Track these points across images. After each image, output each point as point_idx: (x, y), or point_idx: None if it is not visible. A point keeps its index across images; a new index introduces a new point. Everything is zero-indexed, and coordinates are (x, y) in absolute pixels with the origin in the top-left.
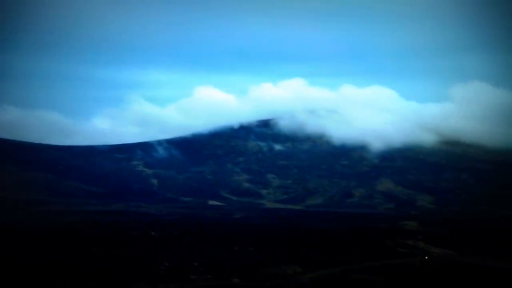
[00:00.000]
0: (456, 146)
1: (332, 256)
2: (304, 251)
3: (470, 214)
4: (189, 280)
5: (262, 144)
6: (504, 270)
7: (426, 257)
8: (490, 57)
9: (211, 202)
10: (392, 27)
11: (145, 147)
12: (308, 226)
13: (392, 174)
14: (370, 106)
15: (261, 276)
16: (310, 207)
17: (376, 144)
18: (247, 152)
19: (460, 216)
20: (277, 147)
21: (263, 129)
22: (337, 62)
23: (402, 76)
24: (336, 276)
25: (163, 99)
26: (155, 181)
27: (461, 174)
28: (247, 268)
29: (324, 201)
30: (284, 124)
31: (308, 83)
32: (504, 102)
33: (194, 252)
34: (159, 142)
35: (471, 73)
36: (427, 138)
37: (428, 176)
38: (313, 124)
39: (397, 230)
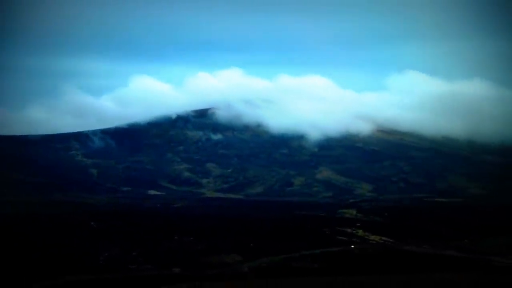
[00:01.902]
0: (393, 134)
1: (272, 245)
2: (244, 240)
3: (407, 201)
4: (128, 270)
5: (201, 133)
6: (440, 257)
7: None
8: (424, 47)
9: (151, 192)
10: (328, 16)
11: (81, 137)
12: (248, 215)
13: (331, 162)
14: (307, 96)
15: (201, 265)
16: (250, 196)
17: (314, 133)
18: (187, 142)
19: (397, 204)
20: (216, 136)
21: (201, 119)
22: (274, 51)
23: (339, 65)
24: (276, 264)
25: (98, 89)
26: (94, 171)
27: (398, 162)
28: (187, 257)
29: (264, 190)
30: (221, 114)
31: (245, 73)
32: (439, 91)
33: (134, 242)
34: (96, 132)
35: (407, 63)
36: (364, 127)
37: (366, 164)
38: (250, 114)
39: (336, 218)
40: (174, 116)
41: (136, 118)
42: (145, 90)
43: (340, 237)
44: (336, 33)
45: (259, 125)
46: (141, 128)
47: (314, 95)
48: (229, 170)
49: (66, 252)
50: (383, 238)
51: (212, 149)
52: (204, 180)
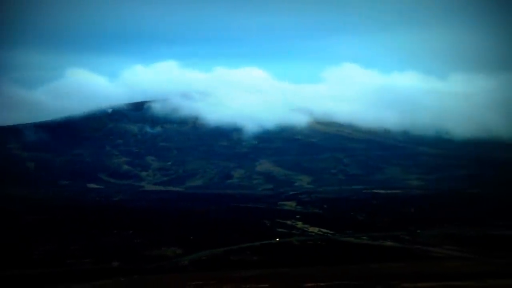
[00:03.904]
0: (331, 126)
1: (212, 237)
2: (184, 232)
3: (346, 193)
4: (65, 265)
5: (139, 127)
6: (378, 248)
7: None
8: (360, 40)
9: (90, 185)
10: (265, 8)
11: (16, 131)
12: (188, 208)
13: (270, 155)
14: (244, 88)
15: (141, 259)
16: (190, 188)
17: (251, 125)
18: (126, 135)
19: (336, 196)
20: (155, 129)
21: (138, 112)
22: (209, 43)
23: (275, 57)
24: (215, 257)
25: (32, 82)
26: (31, 165)
27: (337, 154)
28: (126, 251)
29: (204, 182)
30: (158, 107)
31: (181, 65)
32: (374, 83)
33: (72, 236)
34: (31, 125)
35: (343, 55)
36: (301, 119)
37: (305, 156)
38: (187, 107)
39: (276, 210)
40: (110, 109)
41: (72, 111)
42: (80, 83)
43: (280, 229)
44: (272, 24)
45: (197, 118)
46: (78, 121)
47: (251, 87)
48: (169, 163)
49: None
50: (322, 229)
51: (151, 142)
52: (144, 173)
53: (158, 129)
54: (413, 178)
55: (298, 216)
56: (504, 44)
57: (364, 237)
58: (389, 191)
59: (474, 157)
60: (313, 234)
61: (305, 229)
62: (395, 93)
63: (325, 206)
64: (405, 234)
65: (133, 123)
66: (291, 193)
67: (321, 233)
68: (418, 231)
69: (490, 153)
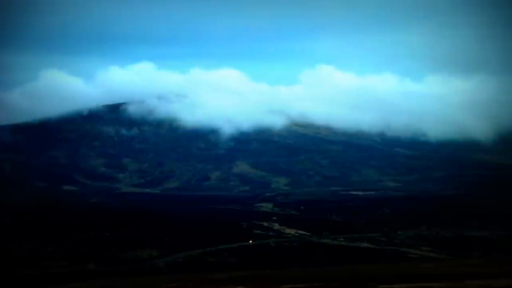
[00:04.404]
0: (308, 128)
1: (188, 239)
2: (161, 234)
3: (323, 195)
4: (40, 267)
5: (116, 128)
6: (355, 249)
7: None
8: (337, 42)
9: (66, 187)
10: (242, 9)
11: None
12: (165, 210)
13: (247, 157)
14: (221, 89)
15: (117, 261)
16: (167, 190)
17: (228, 127)
18: (102, 137)
19: (313, 197)
20: (131, 131)
21: (114, 114)
22: (186, 44)
23: (252, 58)
24: (192, 259)
25: (7, 83)
26: (7, 166)
27: (314, 156)
28: (102, 253)
29: (181, 184)
30: (134, 108)
31: (157, 67)
32: (351, 85)
33: (48, 238)
34: (6, 127)
35: (320, 57)
36: (278, 121)
37: (282, 158)
38: (164, 109)
39: (253, 212)
40: (86, 111)
41: (47, 113)
42: (55, 84)
43: (257, 231)
44: (249, 26)
45: (174, 120)
46: (53, 123)
47: (228, 89)
48: (146, 165)
49: None
50: (299, 231)
51: (128, 144)
52: (120, 175)
53: (134, 131)
54: (389, 179)
55: (275, 218)
56: (479, 46)
57: (341, 239)
58: (365, 193)
59: (450, 158)
60: (290, 235)
61: (282, 230)
62: (371, 95)
63: (302, 207)
64: (382, 236)
65: (110, 125)
66: (268, 194)
67: (298, 234)
68: (395, 232)
69: (465, 155)
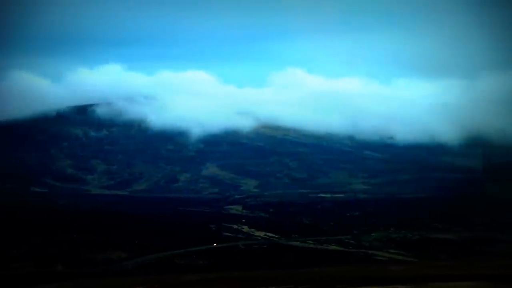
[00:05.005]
0: (277, 130)
1: (157, 241)
2: (129, 236)
3: (292, 197)
4: (8, 269)
5: (84, 130)
6: (323, 252)
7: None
8: (305, 45)
9: (34, 189)
10: (210, 11)
11: None
12: (134, 212)
13: (216, 158)
14: (189, 91)
15: (86, 263)
16: (136, 192)
17: (197, 129)
18: (70, 138)
19: (282, 200)
20: (100, 133)
21: (82, 116)
22: (154, 46)
23: (220, 60)
24: (161, 261)
25: None
26: None
27: (282, 158)
28: (71, 254)
29: (150, 186)
30: (102, 110)
31: (125, 68)
32: (319, 88)
33: (16, 239)
34: None
35: (288, 60)
36: (247, 123)
37: (251, 160)
38: (132, 110)
39: (222, 214)
40: (54, 113)
41: (15, 114)
42: (23, 85)
43: (226, 233)
44: (218, 28)
45: (142, 121)
46: (21, 124)
47: (196, 91)
48: (114, 166)
49: None
50: (268, 233)
51: (97, 145)
52: (89, 177)
53: (103, 132)
54: (358, 182)
55: (244, 220)
56: (446, 50)
57: (310, 241)
58: (334, 195)
59: (417, 161)
60: (259, 238)
61: (251, 233)
62: (340, 98)
63: (271, 210)
64: (350, 238)
65: (78, 126)
66: (237, 197)
67: (267, 237)
68: (367, 234)
69: (432, 158)
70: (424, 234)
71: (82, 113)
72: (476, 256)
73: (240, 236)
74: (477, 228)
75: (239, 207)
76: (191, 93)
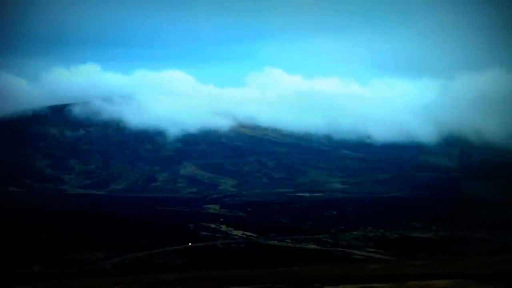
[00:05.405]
0: (255, 130)
1: (135, 241)
2: (107, 236)
3: (270, 196)
4: None
5: (61, 129)
6: (302, 251)
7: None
8: (284, 45)
9: (11, 189)
10: (188, 11)
11: None
12: (112, 211)
13: (195, 158)
14: (167, 91)
15: (63, 263)
16: (114, 192)
17: (175, 129)
18: (48, 138)
19: (260, 199)
20: (77, 132)
21: (59, 116)
22: (131, 46)
23: (198, 60)
24: (139, 260)
25: None
26: None
27: (261, 158)
28: (48, 255)
29: (128, 185)
30: (80, 110)
31: (102, 68)
32: (297, 88)
33: None
34: None
35: (267, 60)
36: (225, 123)
37: (230, 160)
38: (110, 110)
39: (200, 213)
40: (31, 112)
41: None
42: None
43: (204, 233)
44: (196, 27)
45: (120, 121)
46: None
47: (174, 91)
48: (92, 166)
49: None
50: (246, 233)
51: (74, 145)
52: (67, 177)
53: (80, 132)
54: (336, 181)
55: (222, 219)
56: (424, 50)
57: (288, 240)
58: (312, 194)
59: (395, 160)
60: (237, 237)
61: (229, 232)
62: (318, 98)
63: (249, 209)
64: (328, 237)
65: (55, 126)
66: (216, 196)
67: (245, 236)
68: (345, 233)
69: (409, 157)
70: (402, 233)
71: (59, 113)
72: (454, 255)
73: (218, 235)
74: (455, 227)
75: (217, 207)
76: (169, 93)
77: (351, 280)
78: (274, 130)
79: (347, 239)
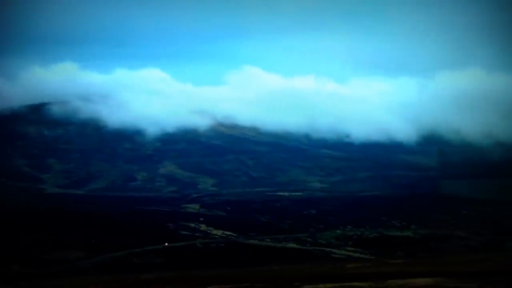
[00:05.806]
0: (234, 129)
1: (114, 240)
2: (86, 235)
3: (250, 195)
4: None
5: (39, 128)
6: (281, 250)
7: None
8: (262, 43)
9: None
10: (165, 9)
11: None
12: (91, 211)
13: (174, 157)
14: (145, 90)
15: (42, 263)
16: (93, 191)
17: (153, 128)
18: (26, 137)
19: (240, 198)
20: (56, 131)
21: (37, 115)
22: (109, 45)
23: (176, 59)
24: (118, 260)
25: None
26: None
27: (240, 157)
28: (26, 255)
29: (107, 185)
30: (58, 109)
31: (80, 67)
32: (276, 86)
33: None
34: None
35: (245, 58)
36: (204, 121)
37: (209, 158)
38: (88, 109)
39: (180, 213)
40: (8, 111)
41: None
42: None
43: (184, 232)
44: (174, 26)
45: (98, 120)
46: None
47: (152, 89)
48: (71, 165)
49: None
50: (226, 232)
51: (52, 144)
52: (45, 176)
53: (59, 131)
54: (315, 180)
55: (201, 219)
56: (402, 49)
57: (267, 239)
58: (292, 193)
59: (374, 159)
60: (217, 236)
61: (209, 231)
62: (297, 97)
63: (228, 208)
64: (307, 236)
65: (33, 125)
66: (195, 195)
67: (225, 235)
68: (325, 232)
69: (388, 156)
70: (382, 232)
71: (37, 112)
72: (433, 253)
73: (197, 234)
74: (434, 226)
75: (197, 206)
76: (147, 91)
77: (330, 279)
78: (253, 129)
79: (327, 238)
